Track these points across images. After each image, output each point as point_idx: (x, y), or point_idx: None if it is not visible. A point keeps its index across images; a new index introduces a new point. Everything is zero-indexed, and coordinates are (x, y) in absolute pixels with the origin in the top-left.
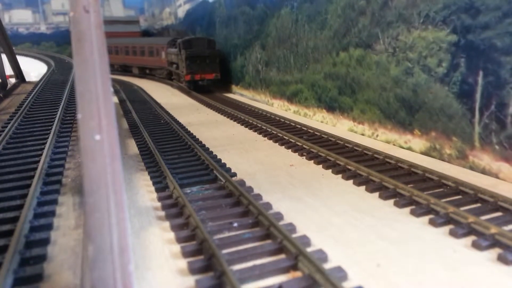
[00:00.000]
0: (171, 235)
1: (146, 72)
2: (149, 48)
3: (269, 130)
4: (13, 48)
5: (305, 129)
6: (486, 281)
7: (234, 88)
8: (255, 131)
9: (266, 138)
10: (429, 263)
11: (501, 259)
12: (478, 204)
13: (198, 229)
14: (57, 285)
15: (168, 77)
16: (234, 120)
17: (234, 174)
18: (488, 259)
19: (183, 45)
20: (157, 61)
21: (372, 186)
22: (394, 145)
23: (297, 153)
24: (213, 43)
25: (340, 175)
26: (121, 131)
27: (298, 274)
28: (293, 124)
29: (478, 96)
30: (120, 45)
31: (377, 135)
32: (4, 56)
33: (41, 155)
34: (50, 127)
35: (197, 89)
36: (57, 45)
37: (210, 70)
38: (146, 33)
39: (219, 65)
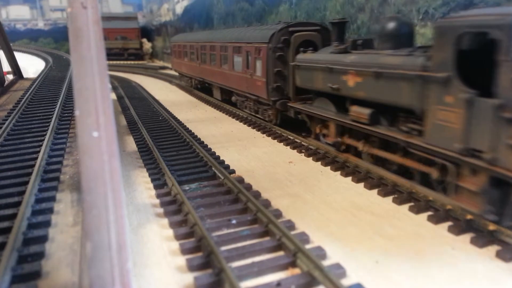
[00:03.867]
0: (170, 232)
1: (232, 101)
2: (235, 49)
3: (268, 127)
4: (11, 44)
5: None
6: (484, 278)
7: None
8: (253, 128)
9: (264, 135)
10: (428, 260)
11: (500, 256)
12: None
13: (196, 226)
14: (55, 283)
15: (291, 128)
16: (233, 117)
17: (233, 171)
18: (486, 256)
19: None
20: (245, 82)
21: (371, 183)
22: None
23: (296, 150)
24: None
25: (338, 172)
26: (119, 128)
27: (296, 271)
28: None
29: None
30: (196, 43)
31: None
32: (1, 53)
33: (39, 152)
34: (48, 124)
35: None
36: (55, 41)
37: None
38: (144, 30)
39: None
